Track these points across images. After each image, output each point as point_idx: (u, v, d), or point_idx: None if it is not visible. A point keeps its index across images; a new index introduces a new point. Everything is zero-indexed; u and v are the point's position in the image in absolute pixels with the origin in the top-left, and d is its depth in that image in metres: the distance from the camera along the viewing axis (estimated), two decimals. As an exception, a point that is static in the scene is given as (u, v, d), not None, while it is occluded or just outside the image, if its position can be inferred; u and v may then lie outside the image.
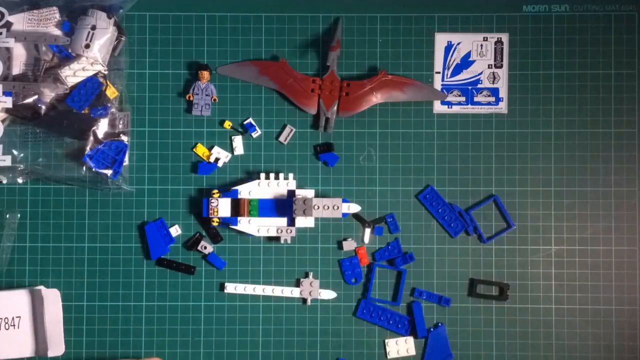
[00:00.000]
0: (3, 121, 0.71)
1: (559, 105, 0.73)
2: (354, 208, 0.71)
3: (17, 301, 0.71)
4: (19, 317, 0.71)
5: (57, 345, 0.70)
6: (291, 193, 0.71)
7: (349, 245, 0.72)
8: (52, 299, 0.71)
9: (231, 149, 0.73)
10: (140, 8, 0.73)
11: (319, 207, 0.69)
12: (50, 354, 0.70)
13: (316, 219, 0.72)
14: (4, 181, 0.72)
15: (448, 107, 0.72)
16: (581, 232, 0.72)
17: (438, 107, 0.73)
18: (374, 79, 0.72)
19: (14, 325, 0.70)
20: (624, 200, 0.72)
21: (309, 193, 0.71)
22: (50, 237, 0.72)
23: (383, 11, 0.73)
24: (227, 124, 0.72)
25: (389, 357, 0.71)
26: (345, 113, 0.72)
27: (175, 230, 0.72)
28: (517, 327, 0.72)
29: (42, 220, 0.72)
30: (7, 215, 0.72)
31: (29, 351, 0.71)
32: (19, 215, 0.72)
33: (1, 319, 0.70)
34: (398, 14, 0.73)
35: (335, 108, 0.72)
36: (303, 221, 0.71)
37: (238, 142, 0.72)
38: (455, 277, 0.72)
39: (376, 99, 0.72)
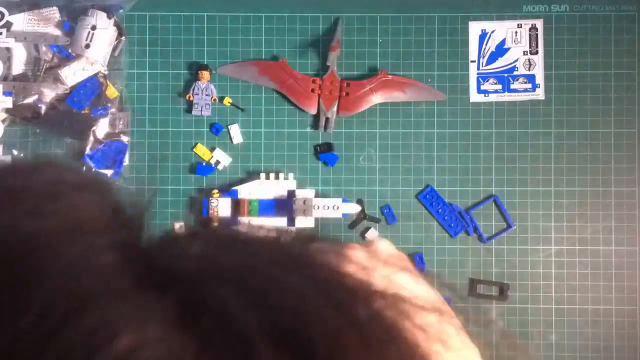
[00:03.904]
0: (3, 121, 0.71)
1: (559, 105, 0.73)
2: (354, 208, 0.71)
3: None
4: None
5: (57, 345, 0.70)
6: (291, 193, 0.71)
7: (371, 235, 0.72)
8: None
9: (229, 138, 0.72)
10: (140, 8, 0.73)
11: (319, 207, 0.69)
12: (50, 354, 0.70)
13: (316, 219, 0.72)
14: (4, 181, 0.72)
15: (485, 96, 0.72)
16: (581, 232, 0.72)
17: (474, 97, 0.72)
18: (374, 79, 0.72)
19: (14, 325, 0.70)
20: (624, 200, 0.72)
21: (309, 193, 0.71)
22: (50, 237, 0.72)
23: (383, 11, 0.73)
24: (227, 101, 0.72)
25: None
26: (345, 113, 0.72)
27: (179, 227, 0.72)
28: (517, 327, 0.72)
29: (42, 220, 0.72)
30: (7, 215, 0.72)
31: (29, 351, 0.71)
32: (19, 215, 0.72)
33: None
34: (398, 14, 0.73)
35: (335, 108, 0.72)
36: (303, 221, 0.71)
37: (235, 130, 0.72)
38: (455, 277, 0.72)
39: (376, 99, 0.72)
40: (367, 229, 0.72)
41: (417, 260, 0.71)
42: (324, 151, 0.72)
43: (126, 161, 0.72)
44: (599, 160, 0.72)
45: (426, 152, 0.73)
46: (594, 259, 0.72)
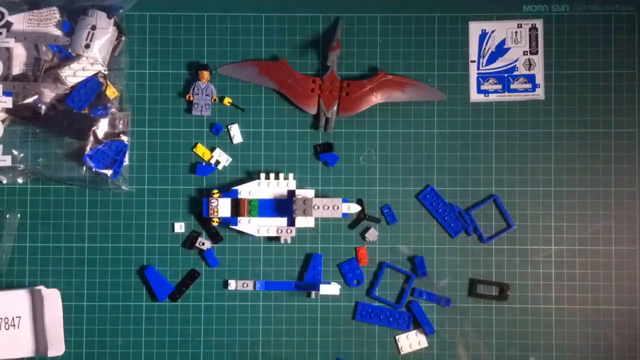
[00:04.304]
0: (3, 121, 0.71)
1: (559, 105, 0.73)
2: (354, 208, 0.71)
3: (17, 301, 0.71)
4: (19, 317, 0.71)
5: (57, 345, 0.70)
6: (291, 193, 0.71)
7: (371, 235, 0.72)
8: (52, 299, 0.71)
9: (229, 138, 0.72)
10: (140, 8, 0.73)
11: (319, 207, 0.69)
12: (50, 354, 0.70)
13: (316, 219, 0.72)
14: (4, 181, 0.72)
15: (485, 96, 0.72)
16: (581, 232, 0.72)
17: (474, 96, 0.72)
18: (374, 79, 0.72)
19: (14, 325, 0.70)
20: (624, 200, 0.72)
21: (309, 193, 0.71)
22: (50, 237, 0.72)
23: (383, 11, 0.73)
24: (227, 101, 0.72)
25: (402, 352, 0.71)
26: (345, 113, 0.72)
27: (179, 227, 0.72)
28: (517, 327, 0.72)
29: (42, 220, 0.72)
30: (7, 215, 0.72)
31: (29, 351, 0.71)
32: (19, 215, 0.72)
33: (1, 319, 0.70)
34: (398, 14, 0.73)
35: (335, 108, 0.72)
36: (303, 221, 0.71)
37: (235, 130, 0.72)
38: (455, 277, 0.72)
39: (376, 99, 0.72)
40: (367, 229, 0.72)
41: (418, 263, 0.72)
42: (324, 151, 0.72)
43: (126, 161, 0.72)
44: (599, 160, 0.72)
45: (426, 152, 0.73)
46: (594, 259, 0.72)
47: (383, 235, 0.72)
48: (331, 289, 0.71)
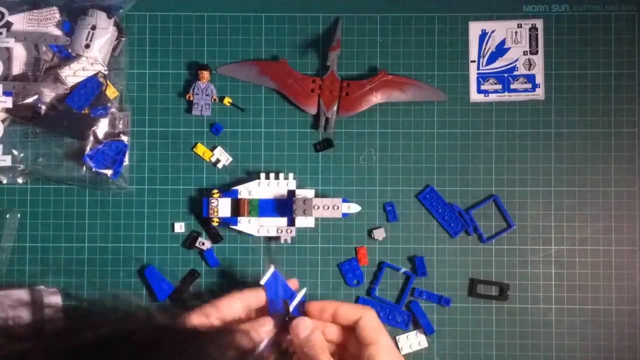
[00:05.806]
0: (3, 121, 0.71)
1: (559, 105, 0.73)
2: (354, 208, 0.71)
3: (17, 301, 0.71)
4: (19, 317, 0.70)
5: (57, 345, 0.70)
6: (291, 193, 0.71)
7: (379, 233, 0.71)
8: (52, 299, 0.71)
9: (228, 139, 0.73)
10: (140, 8, 0.73)
11: (319, 207, 0.69)
12: (50, 354, 0.70)
13: (316, 219, 0.72)
14: (4, 181, 0.72)
15: (485, 96, 0.72)
16: (581, 232, 0.72)
17: (474, 96, 0.72)
18: (374, 79, 0.71)
19: (14, 325, 0.70)
20: (624, 200, 0.72)
21: (309, 193, 0.71)
22: (50, 237, 0.72)
23: (383, 11, 0.73)
24: (227, 101, 0.72)
25: (402, 352, 0.71)
26: (345, 113, 0.72)
27: (179, 227, 0.72)
28: (517, 327, 0.72)
29: (42, 220, 0.72)
30: (7, 215, 0.72)
31: (29, 351, 0.71)
32: (19, 215, 0.72)
33: (1, 318, 0.70)
34: (398, 14, 0.73)
35: (335, 108, 0.72)
36: (303, 221, 0.71)
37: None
38: (455, 277, 0.72)
39: (376, 99, 0.72)
40: (374, 227, 0.72)
41: (418, 263, 0.72)
42: (323, 148, 0.72)
43: (126, 161, 0.72)
44: (599, 160, 0.72)
45: (426, 152, 0.73)
46: (594, 259, 0.72)
47: (389, 236, 0.72)
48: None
